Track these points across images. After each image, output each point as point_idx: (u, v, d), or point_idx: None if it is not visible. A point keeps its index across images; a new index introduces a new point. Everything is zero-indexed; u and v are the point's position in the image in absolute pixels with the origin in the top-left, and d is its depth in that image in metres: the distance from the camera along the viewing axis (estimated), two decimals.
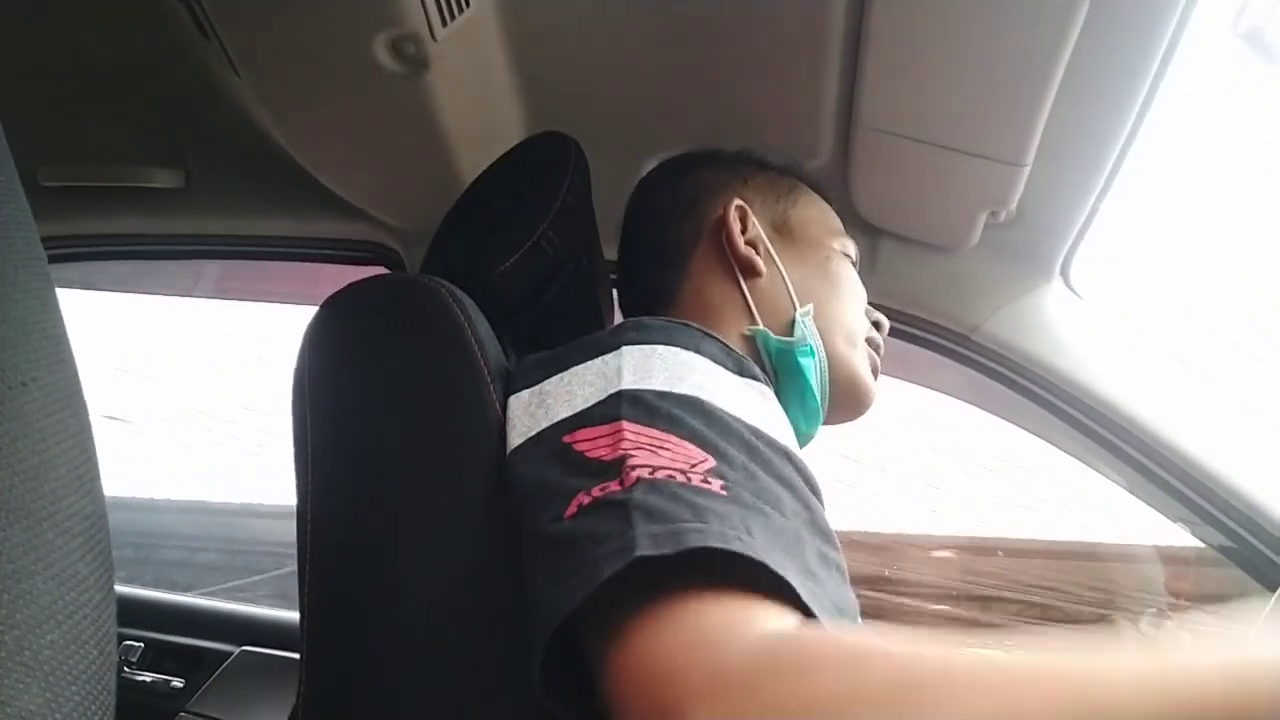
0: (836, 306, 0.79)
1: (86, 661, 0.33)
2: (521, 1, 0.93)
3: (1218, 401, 1.05)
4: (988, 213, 1.02)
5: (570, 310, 0.82)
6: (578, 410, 0.54)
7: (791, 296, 0.78)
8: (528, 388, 0.59)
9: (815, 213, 0.85)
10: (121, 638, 1.41)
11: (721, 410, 0.53)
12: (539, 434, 0.55)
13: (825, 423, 0.80)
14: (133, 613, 1.49)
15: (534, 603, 0.47)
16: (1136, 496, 1.10)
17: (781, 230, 0.82)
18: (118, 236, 1.44)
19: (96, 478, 0.37)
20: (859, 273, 0.85)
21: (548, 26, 0.96)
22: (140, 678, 1.40)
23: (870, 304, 0.86)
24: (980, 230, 1.04)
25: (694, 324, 0.63)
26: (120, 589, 0.38)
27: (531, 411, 0.57)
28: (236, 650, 1.41)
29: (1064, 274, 1.10)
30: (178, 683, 1.40)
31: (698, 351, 0.59)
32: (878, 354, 0.84)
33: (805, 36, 0.91)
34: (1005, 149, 0.92)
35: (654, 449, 0.49)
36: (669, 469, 0.47)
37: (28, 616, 0.31)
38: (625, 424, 0.51)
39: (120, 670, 1.39)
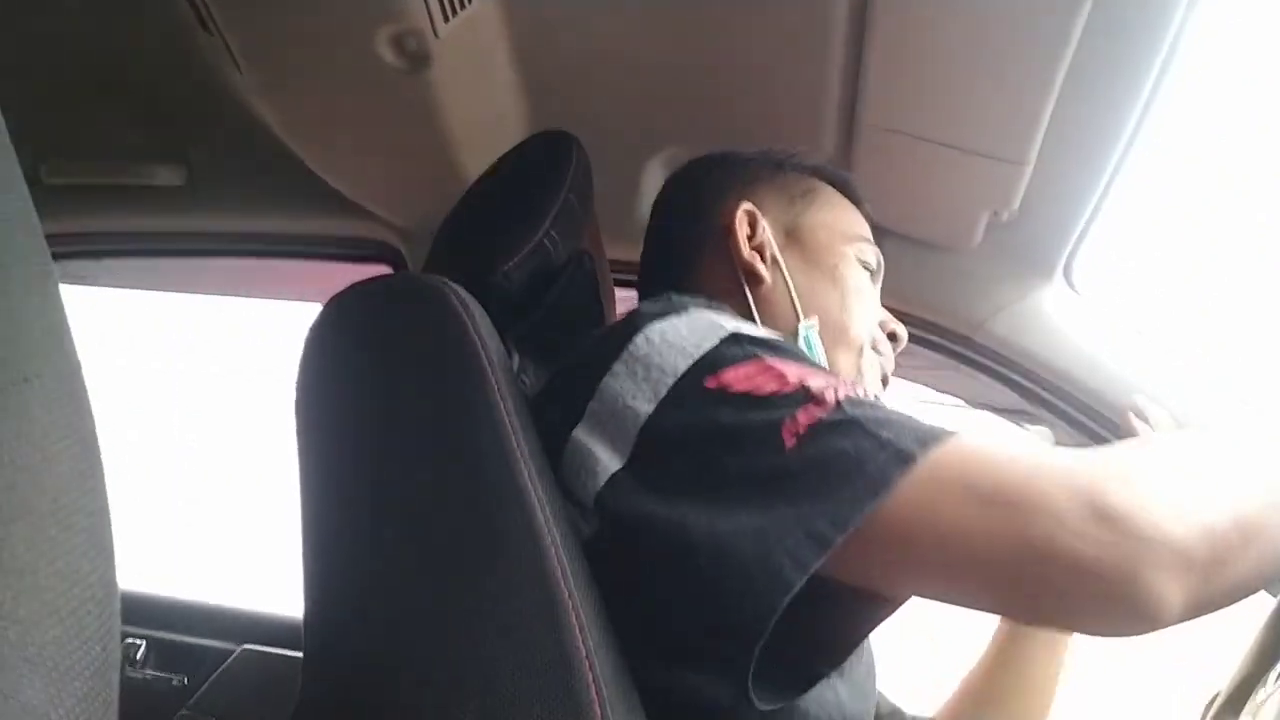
0: (844, 317, 0.78)
1: (90, 657, 0.33)
2: None
3: (1222, 402, 1.05)
4: (990, 212, 1.01)
5: (572, 309, 0.82)
6: (699, 356, 0.55)
7: (795, 306, 0.77)
8: (616, 359, 0.59)
9: (830, 216, 0.83)
10: (123, 635, 1.41)
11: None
12: (673, 390, 0.54)
13: None
14: (134, 611, 1.49)
15: (773, 529, 0.47)
16: None
17: (792, 235, 0.81)
18: (120, 234, 1.44)
19: (100, 474, 0.37)
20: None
21: (550, 24, 0.96)
22: (142, 675, 1.40)
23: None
24: (983, 229, 1.04)
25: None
26: (122, 587, 0.38)
27: (648, 376, 0.56)
28: (238, 649, 1.41)
29: (1066, 273, 1.10)
30: (179, 681, 1.40)
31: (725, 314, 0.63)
32: (887, 364, 0.82)
33: (808, 34, 0.91)
34: (1008, 148, 0.92)
35: (809, 375, 0.53)
36: (839, 388, 0.52)
37: (31, 611, 0.31)
38: (767, 359, 0.53)
39: (121, 668, 1.39)
